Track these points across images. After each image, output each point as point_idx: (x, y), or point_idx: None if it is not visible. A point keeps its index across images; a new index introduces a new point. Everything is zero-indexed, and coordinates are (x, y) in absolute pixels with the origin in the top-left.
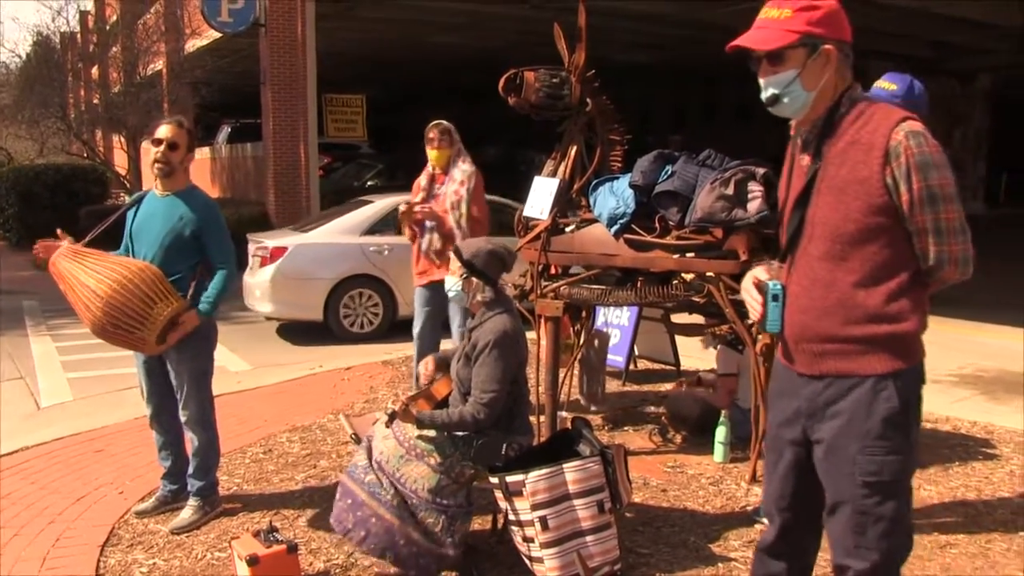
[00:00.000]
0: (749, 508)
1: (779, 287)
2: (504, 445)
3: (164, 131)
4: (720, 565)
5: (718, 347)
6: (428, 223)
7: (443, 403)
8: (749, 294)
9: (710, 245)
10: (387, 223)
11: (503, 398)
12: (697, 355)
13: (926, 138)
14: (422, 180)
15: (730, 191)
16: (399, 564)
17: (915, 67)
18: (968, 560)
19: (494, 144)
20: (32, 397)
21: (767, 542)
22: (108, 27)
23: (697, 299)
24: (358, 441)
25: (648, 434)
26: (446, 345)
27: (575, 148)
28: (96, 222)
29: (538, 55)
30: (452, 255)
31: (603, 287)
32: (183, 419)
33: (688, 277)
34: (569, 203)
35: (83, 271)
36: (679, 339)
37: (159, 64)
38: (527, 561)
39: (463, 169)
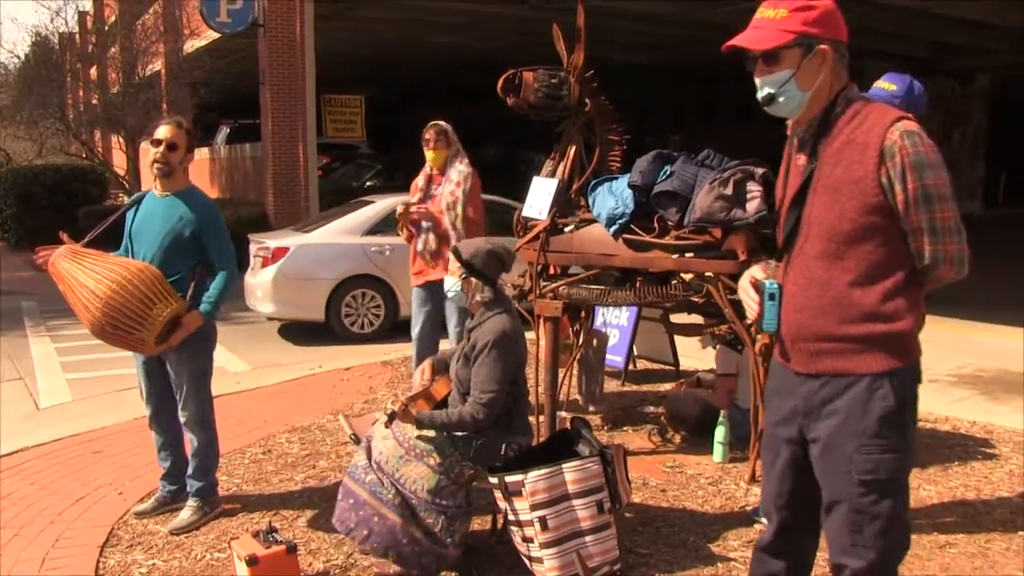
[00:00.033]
0: (748, 508)
1: (775, 286)
2: (503, 445)
3: (163, 131)
4: (719, 565)
5: (717, 347)
6: (424, 223)
7: (442, 403)
8: (746, 293)
9: (709, 245)
10: (388, 223)
11: (502, 398)
12: (696, 355)
13: (921, 138)
14: (419, 180)
15: (729, 191)
16: (402, 563)
17: (914, 67)
18: (967, 560)
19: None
20: (31, 398)
21: (766, 541)
22: (107, 28)
23: (696, 299)
24: (357, 442)
25: (647, 434)
26: (444, 346)
27: (574, 148)
28: (95, 223)
29: (537, 55)
30: (451, 255)
31: (602, 287)
32: (182, 420)
33: (687, 277)
34: (568, 203)
35: (82, 271)
36: (678, 339)
37: (158, 65)
38: (526, 561)
39: (460, 170)
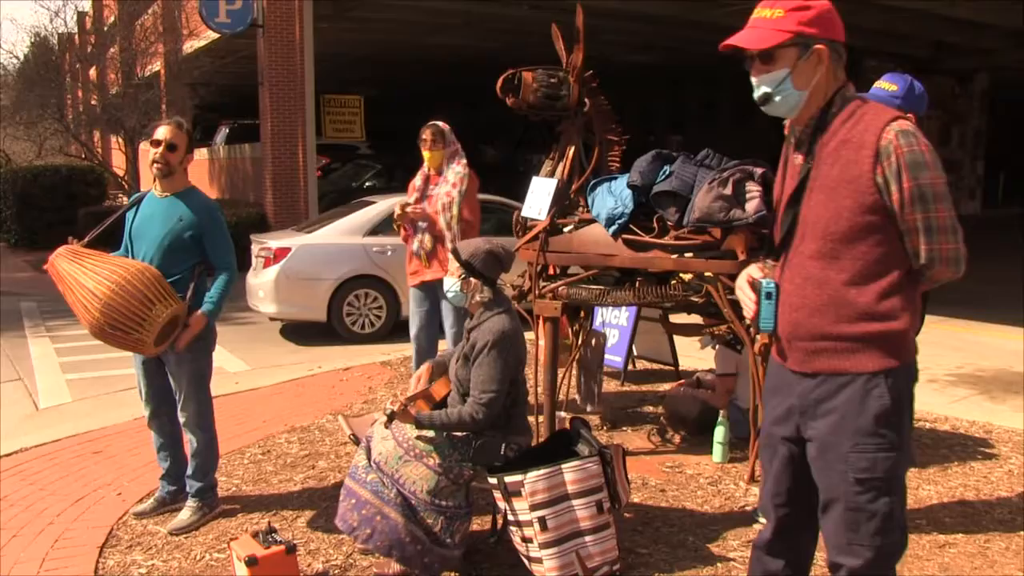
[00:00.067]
0: (748, 508)
1: (772, 285)
2: (503, 445)
3: (163, 132)
4: (719, 565)
5: (716, 347)
6: (421, 224)
7: (442, 404)
8: (743, 292)
9: (708, 245)
10: (390, 224)
11: (502, 398)
12: (696, 355)
13: (917, 137)
14: (417, 180)
15: (728, 191)
16: (405, 562)
17: (913, 67)
18: (967, 559)
19: (493, 145)
20: (30, 398)
21: (764, 540)
22: (106, 28)
23: (695, 299)
24: (357, 442)
25: (647, 434)
26: (442, 346)
27: (573, 148)
28: (94, 223)
29: (537, 55)
30: (450, 256)
31: (601, 287)
32: (182, 420)
33: (686, 277)
34: (567, 203)
35: (82, 272)
36: (677, 339)
37: (157, 65)
38: (526, 561)
39: (456, 171)
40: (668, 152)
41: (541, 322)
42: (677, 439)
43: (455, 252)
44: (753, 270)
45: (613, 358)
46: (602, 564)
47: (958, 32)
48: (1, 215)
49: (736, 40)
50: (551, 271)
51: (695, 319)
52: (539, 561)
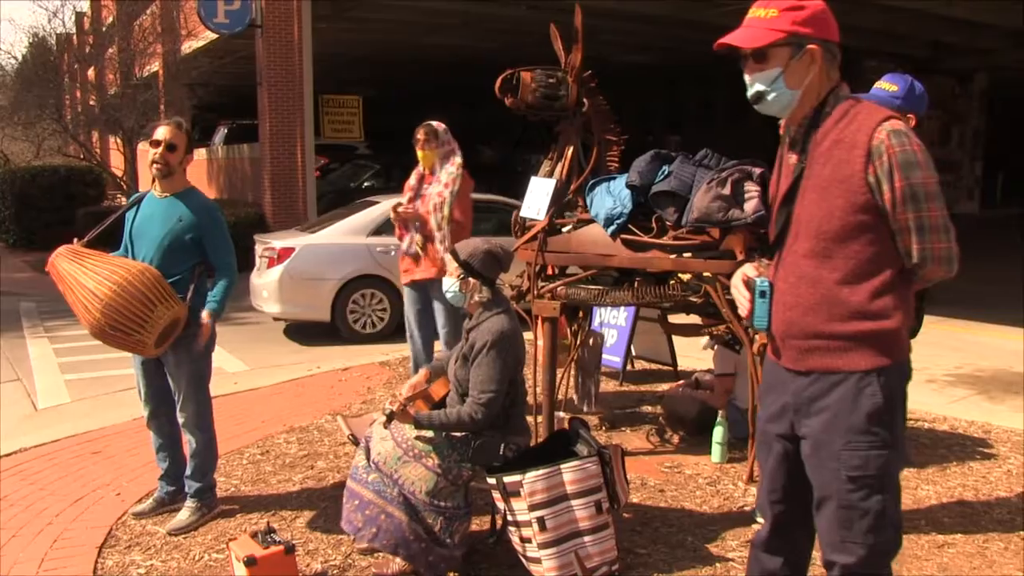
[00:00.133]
0: (746, 508)
1: (766, 284)
2: (501, 446)
3: (163, 132)
4: (718, 565)
5: (715, 347)
6: (414, 223)
7: (441, 404)
8: (738, 291)
9: (707, 245)
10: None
11: (501, 399)
12: (695, 355)
13: (909, 137)
14: (412, 180)
15: (727, 191)
16: (411, 560)
17: (913, 67)
18: (966, 559)
19: (491, 145)
20: (29, 398)
21: (762, 538)
22: (104, 28)
23: (694, 299)
24: (356, 442)
25: (646, 434)
26: (437, 347)
27: (572, 148)
28: (93, 223)
29: (535, 56)
30: (449, 256)
31: (600, 287)
32: (181, 421)
33: (685, 277)
34: (566, 203)
35: (83, 272)
36: (676, 339)
37: (155, 65)
38: (524, 561)
39: (449, 171)
40: (666, 152)
41: (540, 322)
42: (676, 439)
43: (454, 252)
44: (748, 269)
45: (612, 358)
46: (601, 564)
47: (956, 32)
48: None
49: (730, 39)
50: (550, 271)
51: (694, 319)
52: (538, 561)
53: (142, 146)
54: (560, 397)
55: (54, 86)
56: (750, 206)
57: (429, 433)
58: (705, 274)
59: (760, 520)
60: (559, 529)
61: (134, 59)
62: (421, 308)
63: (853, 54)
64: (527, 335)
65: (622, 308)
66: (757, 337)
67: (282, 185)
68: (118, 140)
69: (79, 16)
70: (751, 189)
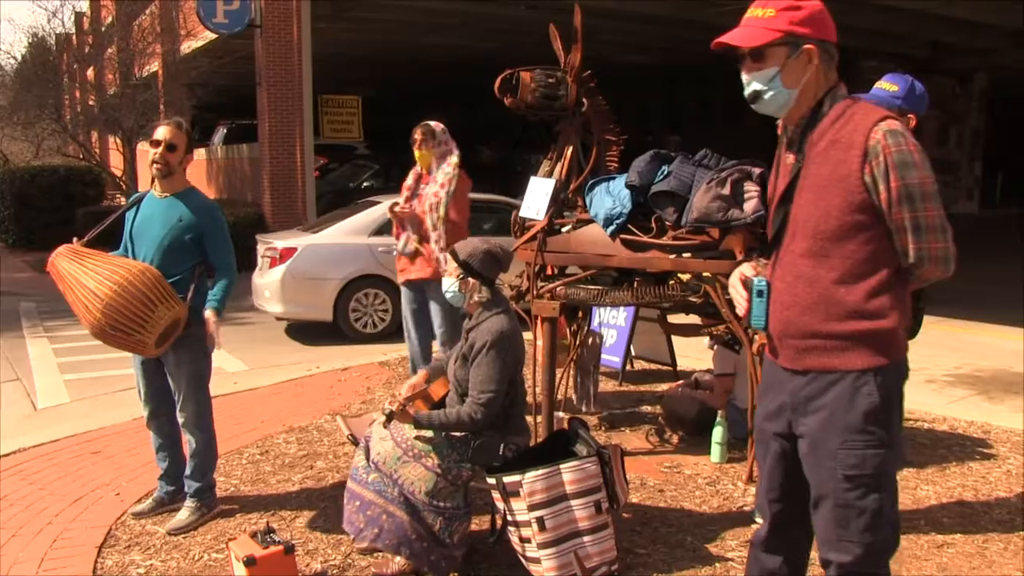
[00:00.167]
0: (746, 508)
1: (764, 283)
2: (501, 446)
3: (163, 132)
4: (717, 565)
5: (715, 347)
6: (411, 222)
7: (441, 404)
8: (735, 290)
9: (706, 245)
10: None
11: (500, 399)
12: (694, 355)
13: (905, 137)
14: (409, 180)
15: (726, 191)
16: (414, 559)
17: (912, 67)
18: (965, 559)
19: (490, 145)
20: (29, 398)
21: (761, 537)
22: (103, 28)
23: (694, 299)
24: (355, 442)
25: (645, 434)
26: (435, 348)
27: (571, 148)
28: (93, 223)
29: (535, 56)
30: (448, 256)
31: (599, 287)
32: (180, 421)
33: (685, 277)
34: (565, 203)
35: (83, 272)
36: (676, 339)
37: (155, 65)
38: (524, 561)
39: (445, 171)
40: (666, 152)
41: (539, 322)
42: (675, 439)
43: (453, 252)
44: (745, 268)
45: (611, 358)
46: (600, 564)
47: (955, 32)
48: None
49: (728, 38)
50: (549, 271)
51: (693, 319)
52: (537, 561)
53: (142, 146)
54: (559, 397)
55: (53, 86)
56: (750, 206)
57: (429, 433)
58: (705, 274)
59: (759, 520)
60: (558, 529)
61: (133, 59)
62: (417, 308)
63: (851, 54)
64: (526, 335)
65: (621, 308)
66: (756, 337)
67: (281, 185)
68: (117, 140)
69: (78, 16)
70: (751, 189)
